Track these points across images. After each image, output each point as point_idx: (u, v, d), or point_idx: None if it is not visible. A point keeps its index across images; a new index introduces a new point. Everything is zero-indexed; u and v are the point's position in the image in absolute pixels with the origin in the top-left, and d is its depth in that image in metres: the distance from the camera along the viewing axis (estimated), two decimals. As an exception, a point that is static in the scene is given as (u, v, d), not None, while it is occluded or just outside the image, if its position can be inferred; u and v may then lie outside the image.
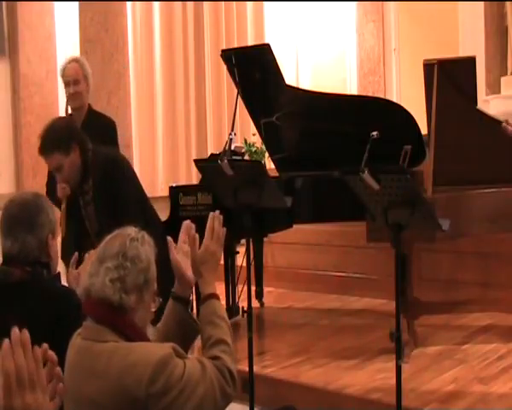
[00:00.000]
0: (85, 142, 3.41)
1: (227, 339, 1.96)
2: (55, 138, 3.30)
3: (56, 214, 2.53)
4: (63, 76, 4.18)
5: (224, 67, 4.80)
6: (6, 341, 1.10)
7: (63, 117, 3.96)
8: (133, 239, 1.85)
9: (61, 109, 7.24)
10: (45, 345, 1.19)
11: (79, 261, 2.47)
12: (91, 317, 1.83)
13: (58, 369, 1.20)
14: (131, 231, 1.89)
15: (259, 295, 5.37)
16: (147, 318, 1.90)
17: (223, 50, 4.70)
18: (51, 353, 1.19)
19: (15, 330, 1.11)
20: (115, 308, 1.79)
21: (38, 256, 2.28)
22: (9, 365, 1.09)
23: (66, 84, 4.13)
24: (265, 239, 5.42)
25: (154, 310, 1.95)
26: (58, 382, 1.18)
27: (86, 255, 2.35)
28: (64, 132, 3.37)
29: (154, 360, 1.72)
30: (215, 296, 2.05)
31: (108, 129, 4.20)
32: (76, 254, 2.51)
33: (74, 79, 4.11)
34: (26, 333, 1.12)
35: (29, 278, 2.25)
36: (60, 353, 1.83)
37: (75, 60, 4.24)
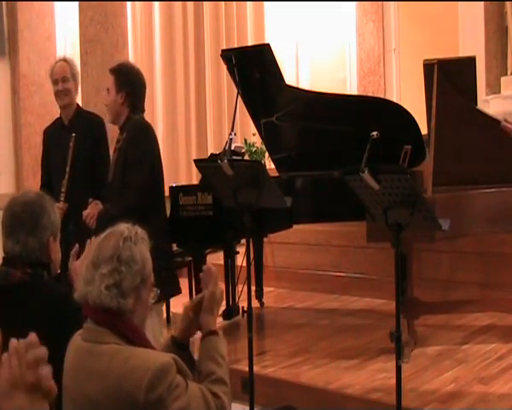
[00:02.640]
0: (136, 102, 3.75)
1: (227, 380, 1.96)
2: (119, 68, 3.81)
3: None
4: (52, 75, 4.21)
5: (224, 67, 4.80)
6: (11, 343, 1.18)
7: (142, 73, 3.95)
8: (126, 239, 1.82)
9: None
10: (34, 335, 1.22)
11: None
12: (91, 318, 1.83)
13: (47, 368, 1.22)
14: (124, 228, 1.85)
15: (259, 295, 5.38)
16: (145, 313, 1.90)
17: (223, 50, 4.70)
18: (41, 350, 1.23)
19: (13, 342, 1.18)
20: (114, 312, 1.78)
21: (39, 258, 2.27)
22: (4, 371, 1.17)
23: (55, 83, 4.16)
24: (265, 239, 5.42)
25: (153, 302, 1.93)
26: (46, 380, 1.21)
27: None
28: (127, 72, 3.78)
29: (153, 366, 1.71)
30: (217, 333, 2.06)
31: (96, 127, 4.24)
32: (77, 246, 2.51)
33: (62, 77, 4.16)
34: (21, 343, 1.19)
35: (29, 280, 2.24)
36: (60, 354, 1.84)
37: (63, 59, 4.27)
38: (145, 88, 3.89)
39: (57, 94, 4.18)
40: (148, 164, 3.71)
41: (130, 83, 3.78)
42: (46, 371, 1.21)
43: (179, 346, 2.07)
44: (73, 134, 4.03)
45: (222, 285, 4.98)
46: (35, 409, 1.17)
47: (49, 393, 1.20)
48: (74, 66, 4.25)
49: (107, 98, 3.85)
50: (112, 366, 1.74)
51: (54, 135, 4.26)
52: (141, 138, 3.75)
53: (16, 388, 1.17)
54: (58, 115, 4.36)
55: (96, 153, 4.12)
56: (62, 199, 3.96)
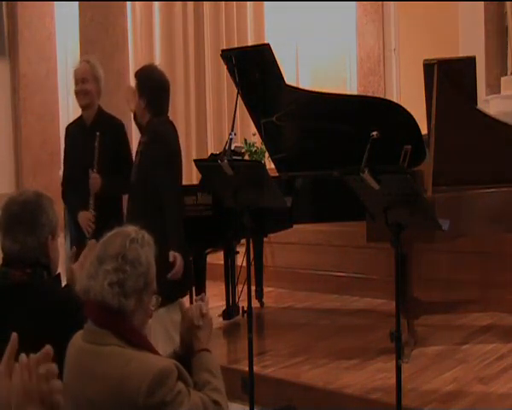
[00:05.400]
0: (158, 105, 3.76)
1: (224, 391, 1.94)
2: (141, 72, 3.89)
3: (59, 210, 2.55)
4: (73, 75, 4.25)
5: (224, 67, 4.80)
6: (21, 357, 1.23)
7: (164, 75, 3.96)
8: (133, 240, 1.82)
9: (62, 109, 7.24)
10: (49, 348, 1.23)
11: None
12: (92, 320, 1.82)
13: (58, 382, 1.23)
14: (132, 230, 1.86)
15: (259, 295, 5.38)
16: (145, 318, 1.89)
17: (223, 50, 4.70)
18: (52, 366, 1.24)
19: (22, 356, 1.22)
20: (114, 313, 1.78)
21: (38, 257, 2.26)
22: (17, 382, 1.21)
23: (75, 83, 4.20)
24: (265, 239, 5.42)
25: (153, 309, 1.93)
26: (56, 394, 1.23)
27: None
28: (148, 76, 3.85)
29: (153, 370, 1.71)
30: (210, 351, 2.02)
31: (118, 130, 4.22)
32: (74, 248, 2.51)
33: (82, 78, 4.16)
34: (32, 357, 1.22)
35: (29, 280, 2.23)
36: (60, 355, 1.84)
37: (86, 60, 4.28)
38: (167, 90, 3.87)
39: (76, 94, 4.21)
40: (172, 164, 3.69)
41: (150, 87, 3.78)
42: (57, 385, 1.22)
43: (180, 360, 2.05)
44: (97, 133, 4.00)
45: (222, 285, 5.03)
46: None
47: (57, 407, 1.22)
48: (96, 68, 4.25)
49: (133, 102, 3.86)
50: (112, 369, 1.73)
51: (75, 133, 4.25)
52: (159, 141, 3.72)
53: (29, 400, 1.19)
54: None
55: (118, 156, 4.11)
56: (92, 208, 3.95)
